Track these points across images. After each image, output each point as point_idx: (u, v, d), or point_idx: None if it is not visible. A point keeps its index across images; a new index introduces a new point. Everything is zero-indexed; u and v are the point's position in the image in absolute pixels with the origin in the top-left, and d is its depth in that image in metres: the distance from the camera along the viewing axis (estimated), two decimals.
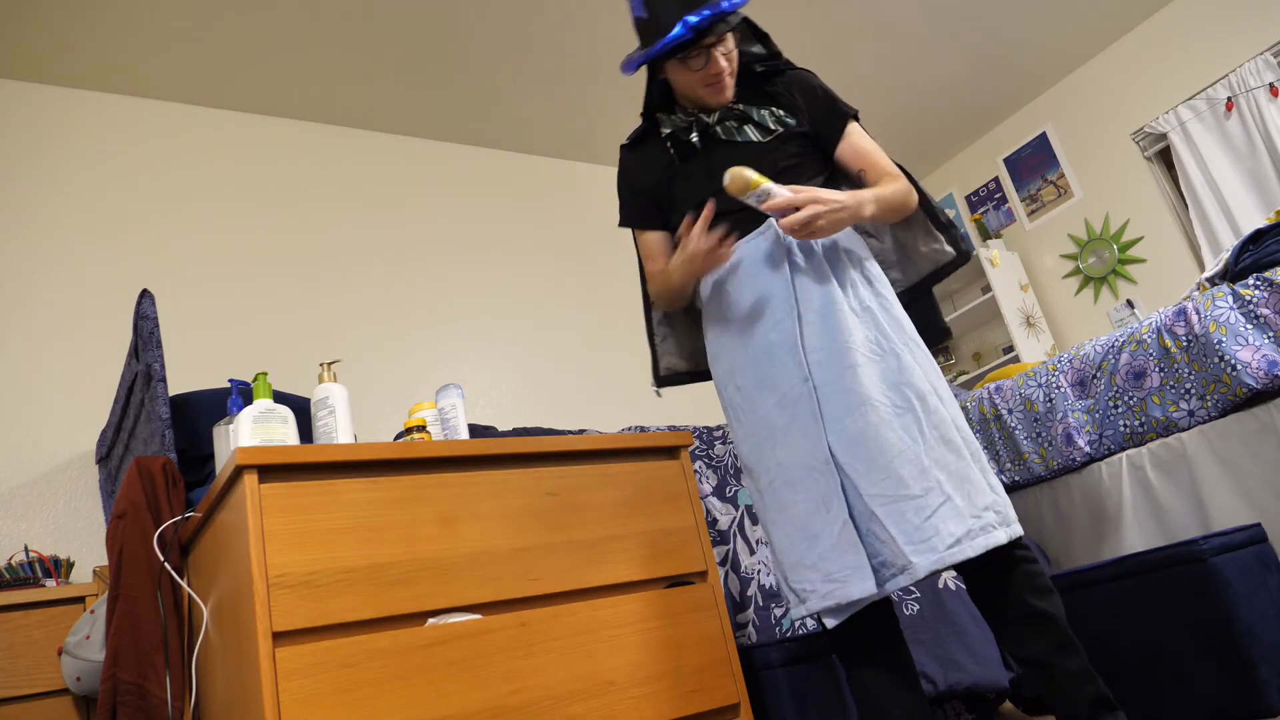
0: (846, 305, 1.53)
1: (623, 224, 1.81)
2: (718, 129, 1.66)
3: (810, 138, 1.66)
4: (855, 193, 1.56)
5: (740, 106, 1.66)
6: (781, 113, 1.65)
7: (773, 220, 1.56)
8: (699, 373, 1.87)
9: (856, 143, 1.67)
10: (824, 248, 1.58)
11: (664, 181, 1.72)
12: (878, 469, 1.41)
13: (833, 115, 1.68)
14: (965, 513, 1.40)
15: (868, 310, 1.54)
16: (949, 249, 1.71)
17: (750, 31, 1.72)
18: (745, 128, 1.65)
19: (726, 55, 1.61)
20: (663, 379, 1.85)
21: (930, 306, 1.82)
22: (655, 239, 1.76)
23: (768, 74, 1.71)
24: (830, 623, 1.44)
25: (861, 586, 1.39)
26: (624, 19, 3.45)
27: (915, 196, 1.65)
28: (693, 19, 1.52)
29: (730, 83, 1.64)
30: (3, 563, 2.40)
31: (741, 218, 1.60)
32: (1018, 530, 1.45)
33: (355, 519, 1.45)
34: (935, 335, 1.77)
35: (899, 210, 1.63)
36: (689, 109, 1.69)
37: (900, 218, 1.66)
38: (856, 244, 1.64)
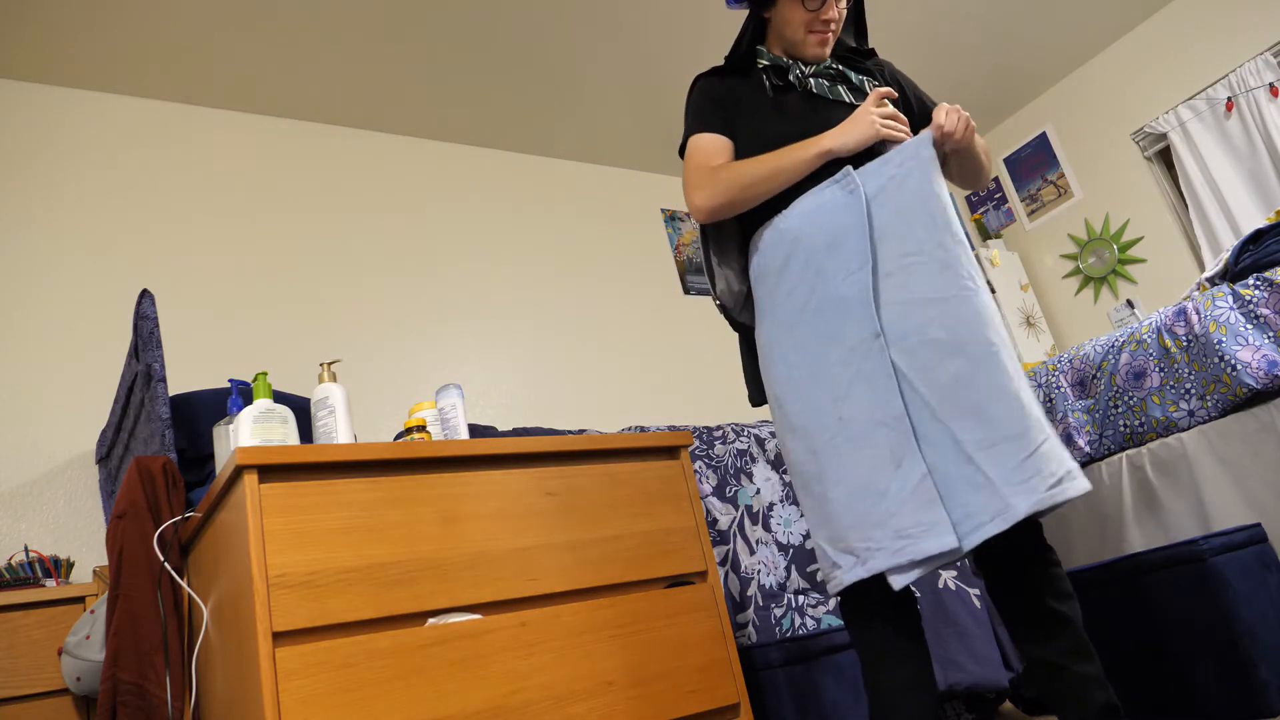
0: (929, 251, 1.46)
1: (696, 130, 1.70)
2: (810, 82, 1.65)
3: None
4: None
5: (838, 66, 1.67)
6: (877, 83, 1.68)
7: (849, 169, 1.53)
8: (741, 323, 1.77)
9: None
10: (910, 187, 1.50)
11: (745, 110, 1.67)
12: (972, 414, 1.36)
13: (927, 104, 1.74)
14: (1065, 454, 1.36)
15: (956, 249, 1.47)
16: None
17: (857, 14, 1.76)
18: (839, 87, 1.65)
19: (840, 8, 1.64)
20: (721, 304, 1.75)
21: None
22: (727, 143, 1.67)
23: (858, 53, 1.74)
24: (898, 581, 1.37)
25: (940, 542, 1.33)
26: (628, 21, 3.46)
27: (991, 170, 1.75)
28: None
29: (832, 40, 1.66)
30: (3, 563, 2.40)
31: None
32: (1081, 486, 1.37)
33: (355, 519, 1.45)
34: None
35: (986, 155, 1.71)
36: (782, 57, 1.69)
37: (980, 176, 1.73)
38: (941, 185, 1.55)
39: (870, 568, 1.39)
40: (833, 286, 1.49)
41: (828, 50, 1.66)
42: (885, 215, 1.49)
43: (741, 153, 1.65)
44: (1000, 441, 1.34)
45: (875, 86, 1.68)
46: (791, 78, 1.66)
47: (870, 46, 1.78)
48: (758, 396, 1.70)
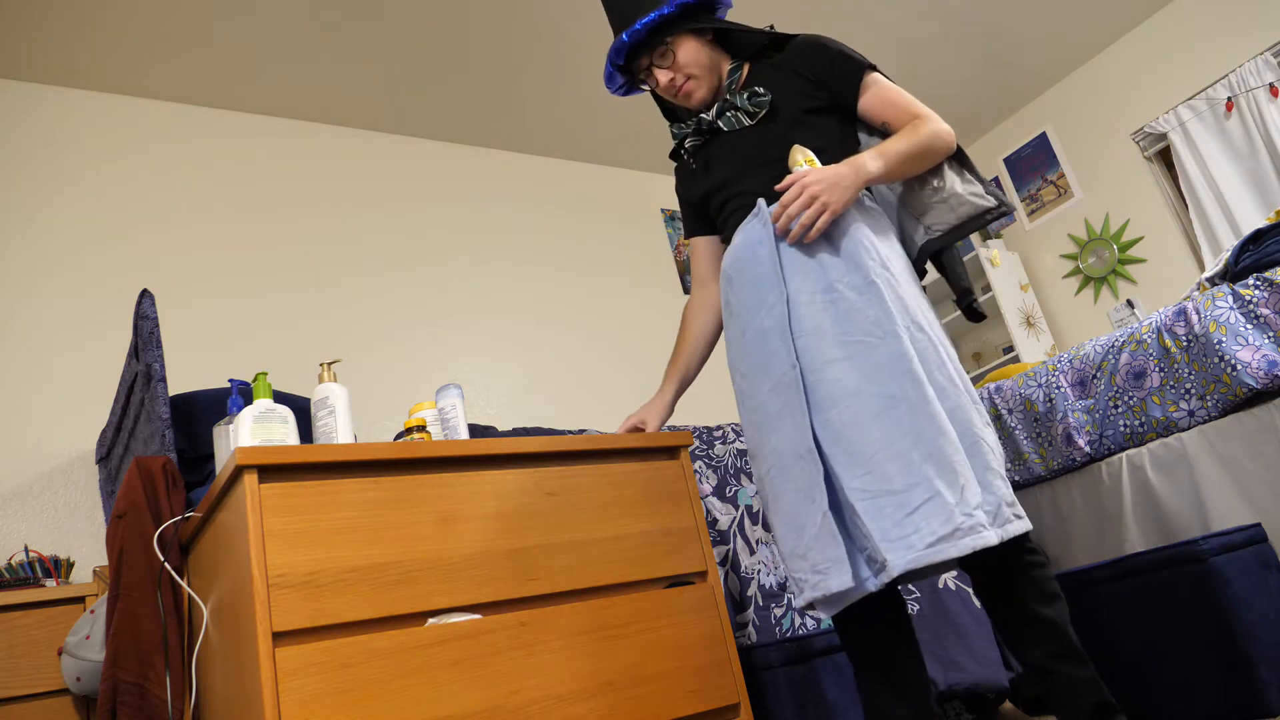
0: (842, 286, 1.46)
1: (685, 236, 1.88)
2: (719, 122, 1.67)
3: (822, 107, 1.62)
4: (850, 159, 1.49)
5: (728, 96, 1.66)
6: (758, 89, 1.61)
7: (760, 202, 1.56)
8: None
9: (879, 92, 1.60)
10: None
11: (688, 183, 1.78)
12: (859, 463, 1.37)
13: (846, 71, 1.60)
14: (955, 510, 1.32)
15: (871, 287, 1.45)
16: (989, 198, 1.59)
17: (717, 29, 1.69)
18: (736, 115, 1.65)
19: (671, 67, 1.65)
20: None
21: (956, 260, 1.70)
22: (700, 246, 1.81)
23: (774, 48, 1.68)
24: (823, 614, 1.43)
25: (840, 580, 1.35)
26: None
27: (949, 136, 1.56)
28: (614, 54, 1.64)
29: (693, 86, 1.66)
30: (3, 563, 2.40)
31: (741, 204, 1.62)
32: (1015, 529, 1.38)
33: (355, 519, 1.45)
34: (960, 294, 1.66)
35: (925, 154, 1.54)
36: (686, 121, 1.74)
37: (931, 163, 1.56)
38: (863, 217, 1.54)
39: (804, 598, 1.43)
40: (757, 319, 1.52)
41: (698, 97, 1.67)
42: (797, 249, 1.51)
43: (712, 211, 1.73)
44: (882, 494, 1.35)
45: (755, 94, 1.61)
46: (687, 143, 1.71)
47: (768, 34, 1.68)
48: None
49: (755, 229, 1.56)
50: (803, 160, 1.53)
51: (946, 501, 1.33)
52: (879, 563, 1.35)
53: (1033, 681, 1.45)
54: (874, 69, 1.63)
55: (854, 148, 1.63)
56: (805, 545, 1.41)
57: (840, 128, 1.63)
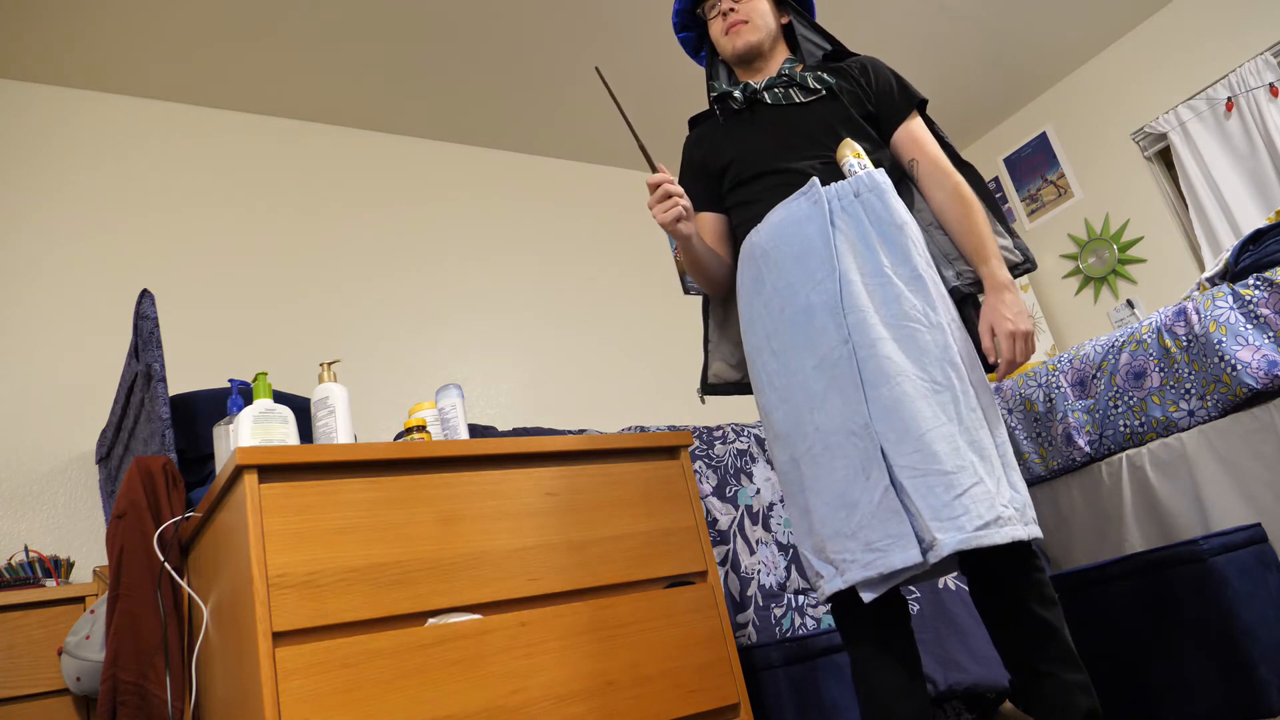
0: (892, 271, 1.48)
1: None
2: (765, 94, 1.68)
3: (869, 116, 1.67)
4: (991, 284, 1.53)
5: (787, 74, 1.69)
6: (824, 74, 1.67)
7: (814, 180, 1.56)
8: (747, 385, 1.79)
9: (915, 132, 1.67)
10: (870, 216, 1.53)
11: (709, 149, 1.75)
12: (909, 440, 1.37)
13: (897, 98, 1.68)
14: (995, 500, 1.35)
15: (918, 279, 1.48)
16: (1016, 252, 1.65)
17: (807, 23, 1.76)
18: (790, 90, 1.67)
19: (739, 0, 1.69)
20: (710, 386, 1.79)
21: (974, 310, 1.73)
22: (706, 222, 1.76)
23: (831, 57, 1.74)
24: (868, 596, 1.39)
25: (905, 555, 1.34)
26: (626, 18, 3.46)
27: (967, 190, 1.61)
28: None
29: (746, 30, 1.69)
30: (3, 563, 2.40)
31: (780, 180, 1.61)
32: (1036, 531, 1.41)
33: (355, 519, 1.45)
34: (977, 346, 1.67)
35: (969, 209, 1.60)
36: (732, 82, 1.76)
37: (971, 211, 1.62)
38: (908, 216, 1.57)
39: (847, 579, 1.41)
40: (801, 295, 1.52)
41: (741, 40, 1.70)
42: (849, 231, 1.52)
43: (728, 183, 1.72)
44: (931, 474, 1.35)
45: (820, 77, 1.67)
46: (737, 94, 1.70)
47: (840, 49, 1.77)
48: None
49: (803, 206, 1.55)
50: (851, 155, 1.58)
51: (989, 489, 1.36)
52: (926, 541, 1.34)
53: (1021, 688, 1.44)
54: (924, 105, 1.71)
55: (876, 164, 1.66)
56: (857, 523, 1.39)
57: (871, 139, 1.67)
